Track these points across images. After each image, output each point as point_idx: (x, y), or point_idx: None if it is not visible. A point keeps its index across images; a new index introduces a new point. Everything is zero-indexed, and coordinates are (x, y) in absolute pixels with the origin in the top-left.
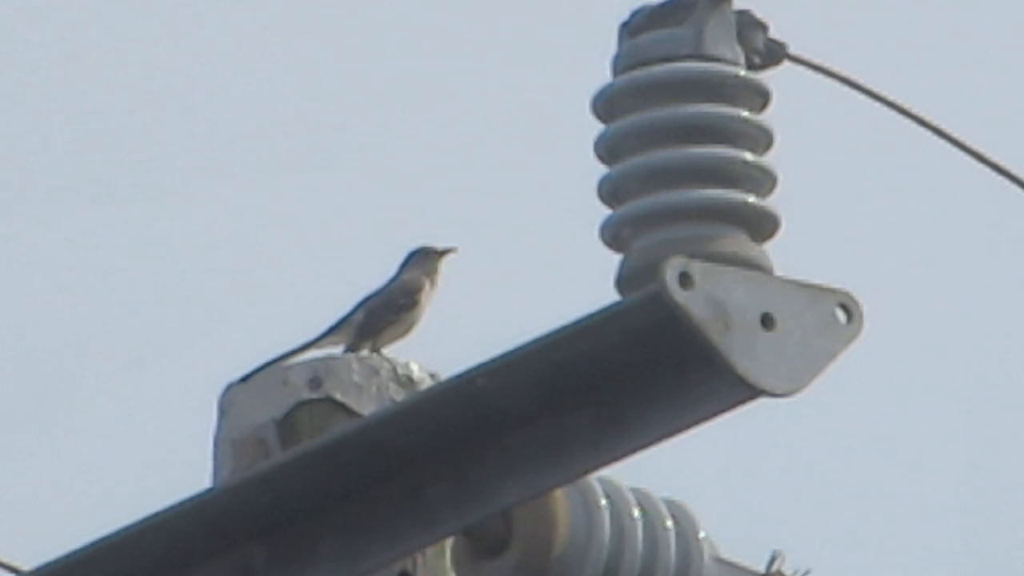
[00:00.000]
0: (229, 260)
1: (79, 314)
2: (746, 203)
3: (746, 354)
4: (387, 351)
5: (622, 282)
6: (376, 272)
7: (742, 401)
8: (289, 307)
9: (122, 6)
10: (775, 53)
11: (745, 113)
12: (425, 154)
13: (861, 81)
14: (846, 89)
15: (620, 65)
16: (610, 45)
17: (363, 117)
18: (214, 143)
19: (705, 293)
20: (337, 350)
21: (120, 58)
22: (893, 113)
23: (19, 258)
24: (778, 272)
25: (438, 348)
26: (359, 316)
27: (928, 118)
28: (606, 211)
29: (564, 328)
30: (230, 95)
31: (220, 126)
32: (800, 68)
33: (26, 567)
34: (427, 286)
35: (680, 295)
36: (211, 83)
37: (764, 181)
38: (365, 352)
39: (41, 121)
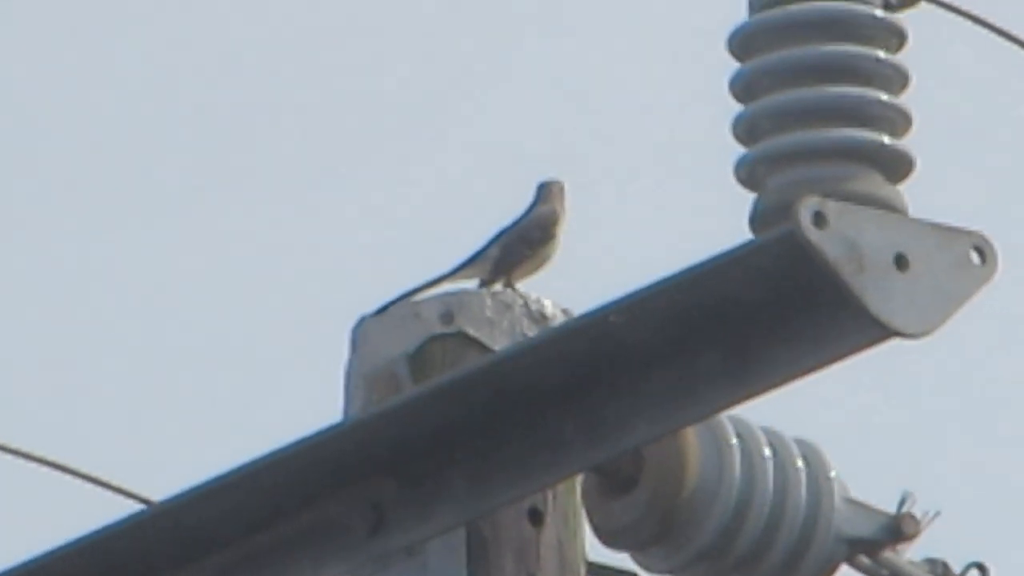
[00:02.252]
0: (366, 196)
1: (215, 233)
2: (881, 143)
3: (879, 295)
4: (520, 286)
5: (756, 220)
6: (509, 206)
7: (875, 342)
8: (423, 240)
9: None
10: None
11: (881, 53)
12: (560, 88)
13: (996, 22)
14: (982, 30)
15: (757, 3)
16: None
17: (497, 46)
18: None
19: (839, 233)
20: (471, 284)
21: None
22: None
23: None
24: (912, 213)
25: (571, 284)
26: (494, 250)
27: None
28: (741, 149)
29: (697, 266)
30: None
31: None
32: (936, 8)
33: (157, 498)
34: (562, 219)
35: (814, 234)
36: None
37: (899, 121)
38: (498, 287)
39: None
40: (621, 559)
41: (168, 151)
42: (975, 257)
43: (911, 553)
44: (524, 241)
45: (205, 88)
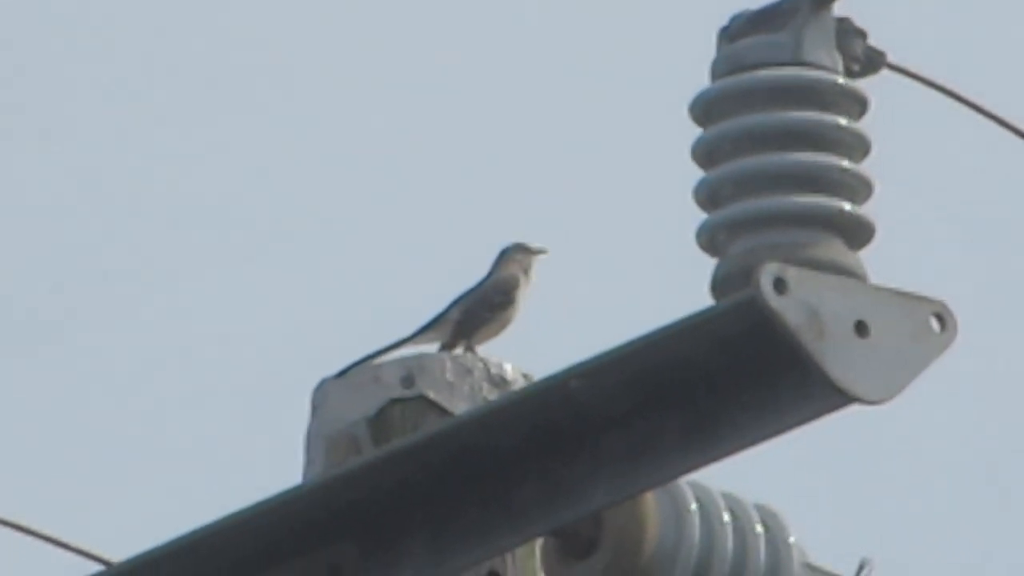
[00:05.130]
0: (323, 256)
1: (178, 294)
2: (842, 210)
3: (839, 361)
4: (480, 350)
5: (717, 286)
6: (469, 270)
7: (834, 408)
8: (383, 304)
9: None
10: (874, 61)
11: (843, 120)
12: (521, 153)
13: (960, 91)
14: (945, 98)
15: (719, 70)
16: (709, 50)
17: (459, 114)
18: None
19: (800, 299)
20: (431, 348)
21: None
22: (992, 124)
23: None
24: (873, 280)
25: (531, 349)
26: (455, 314)
27: None
28: (702, 215)
29: (658, 331)
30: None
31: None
32: (899, 76)
33: (115, 559)
34: (522, 284)
35: (775, 300)
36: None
37: (860, 189)
38: (459, 351)
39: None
40: None
41: (131, 227)
42: (935, 324)
43: None
44: (485, 305)
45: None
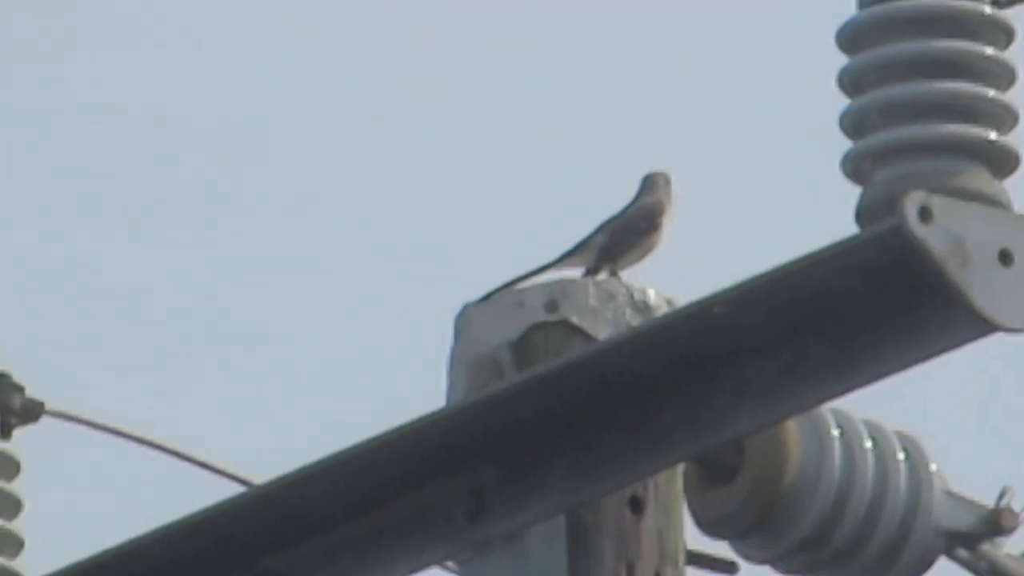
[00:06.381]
0: (471, 184)
1: (322, 221)
2: (988, 140)
3: (983, 289)
4: (624, 276)
5: (861, 214)
6: (614, 197)
7: (978, 336)
8: (529, 228)
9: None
10: None
11: (989, 50)
12: (669, 83)
13: None
14: None
15: None
16: None
17: (607, 36)
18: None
19: (944, 228)
20: (575, 273)
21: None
22: None
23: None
24: (1018, 209)
25: (675, 275)
26: (600, 238)
27: None
28: (848, 143)
29: (802, 259)
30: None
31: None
32: None
33: (259, 480)
34: (667, 209)
35: (920, 229)
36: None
37: (1007, 118)
38: (603, 276)
39: None
40: (721, 548)
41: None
42: None
43: (1009, 547)
44: (630, 230)
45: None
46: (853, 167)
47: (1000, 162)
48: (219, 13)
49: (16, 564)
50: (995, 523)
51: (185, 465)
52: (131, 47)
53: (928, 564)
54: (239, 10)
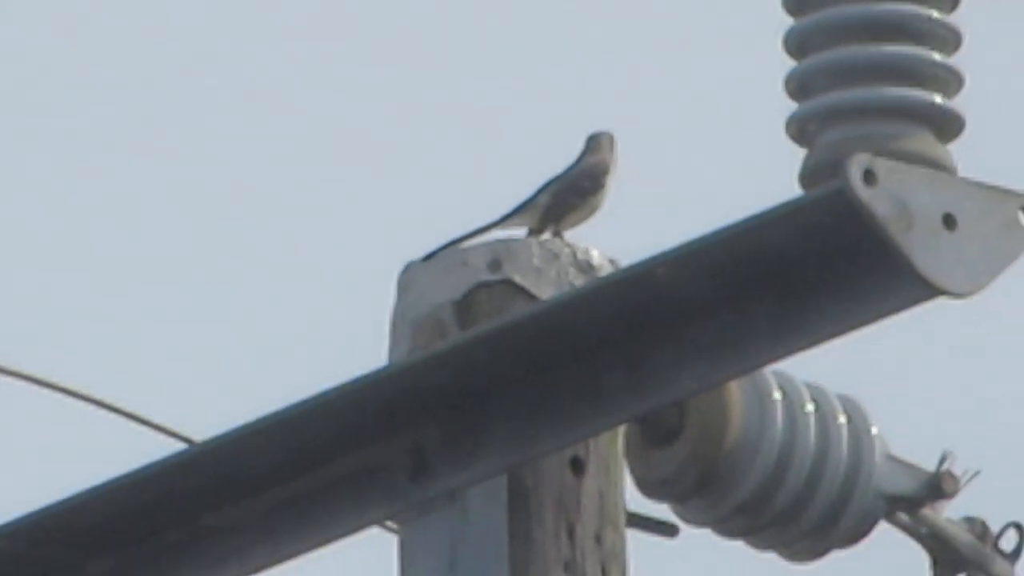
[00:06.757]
0: (414, 143)
1: (262, 181)
2: (933, 103)
3: (927, 253)
4: (568, 236)
5: (806, 176)
6: (558, 156)
7: (921, 300)
8: (472, 187)
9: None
10: None
11: (935, 13)
12: (612, 42)
13: None
14: None
15: None
16: None
17: (550, 6)
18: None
19: (888, 191)
20: (519, 232)
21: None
22: None
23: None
24: (962, 173)
25: (619, 235)
26: (544, 199)
27: None
28: (793, 105)
29: (746, 220)
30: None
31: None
32: None
33: (200, 438)
34: (612, 170)
35: (864, 192)
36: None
37: (952, 82)
38: (547, 236)
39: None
40: (661, 510)
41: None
42: (1023, 218)
43: (950, 511)
44: (574, 190)
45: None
46: (798, 129)
47: (945, 126)
48: None
49: None
50: (936, 488)
51: (123, 421)
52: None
53: (868, 528)
54: None
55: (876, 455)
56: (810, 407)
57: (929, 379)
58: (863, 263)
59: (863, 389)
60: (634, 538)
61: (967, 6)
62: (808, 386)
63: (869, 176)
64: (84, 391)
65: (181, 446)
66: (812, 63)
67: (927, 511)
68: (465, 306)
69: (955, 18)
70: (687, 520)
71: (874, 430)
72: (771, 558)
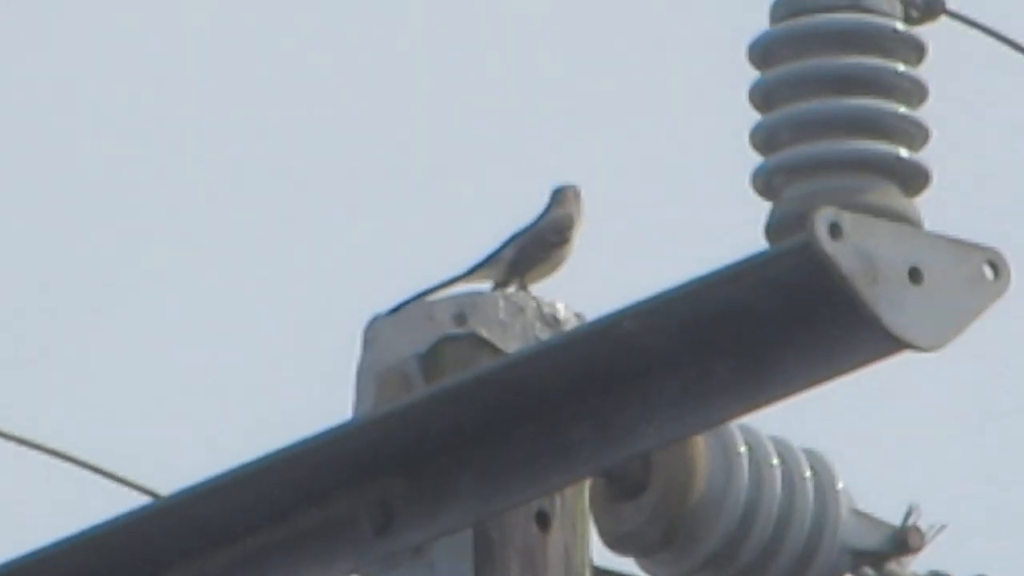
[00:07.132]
0: (377, 195)
1: (228, 234)
2: (898, 156)
3: (892, 307)
4: (533, 289)
5: (771, 230)
6: (523, 210)
7: (886, 354)
8: (437, 241)
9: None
10: (932, 7)
11: (901, 66)
12: (578, 96)
13: (1017, 39)
14: (1002, 46)
15: (778, 13)
16: None
17: (516, 53)
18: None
19: (854, 244)
20: (484, 286)
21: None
22: None
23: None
24: (927, 227)
25: (585, 289)
26: (509, 252)
27: None
28: (758, 158)
29: (712, 274)
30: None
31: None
32: (957, 23)
33: (165, 491)
34: (577, 223)
35: (829, 245)
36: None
37: (917, 135)
38: (512, 289)
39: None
40: (627, 564)
41: (183, 142)
42: (989, 272)
43: (915, 566)
44: (539, 244)
45: (220, 84)
46: (763, 182)
47: (911, 179)
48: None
49: None
50: (901, 542)
51: (87, 474)
52: None
53: None
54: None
55: (842, 510)
56: (775, 461)
57: (894, 433)
58: (829, 317)
59: (828, 443)
60: None
61: (933, 59)
62: (773, 440)
63: (835, 229)
64: (45, 442)
65: (145, 499)
66: (778, 116)
67: (893, 566)
68: (431, 360)
69: (921, 71)
70: (653, 574)
71: (840, 484)
72: None
